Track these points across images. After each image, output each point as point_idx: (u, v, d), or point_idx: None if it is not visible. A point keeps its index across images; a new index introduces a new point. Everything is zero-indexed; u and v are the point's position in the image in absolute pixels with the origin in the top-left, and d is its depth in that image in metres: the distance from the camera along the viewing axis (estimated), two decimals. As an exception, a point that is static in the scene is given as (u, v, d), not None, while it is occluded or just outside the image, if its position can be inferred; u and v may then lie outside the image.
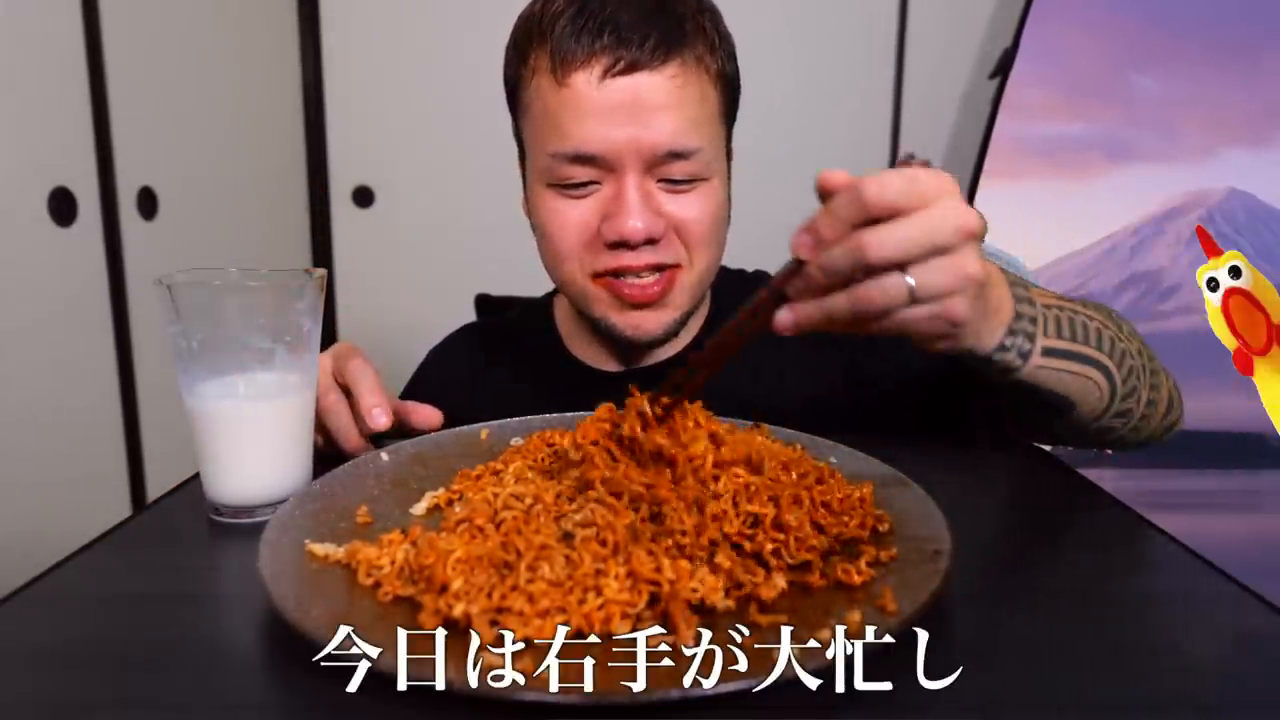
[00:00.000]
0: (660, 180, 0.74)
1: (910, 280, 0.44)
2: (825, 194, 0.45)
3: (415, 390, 0.96)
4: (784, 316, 0.47)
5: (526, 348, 0.93)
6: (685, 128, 0.72)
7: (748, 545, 0.47)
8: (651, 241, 0.74)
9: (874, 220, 0.43)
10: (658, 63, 0.70)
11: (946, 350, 0.50)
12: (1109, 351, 0.59)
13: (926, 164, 0.45)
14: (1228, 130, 1.66)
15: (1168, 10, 1.67)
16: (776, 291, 0.47)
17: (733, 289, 0.89)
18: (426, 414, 0.69)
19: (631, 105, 0.70)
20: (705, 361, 0.51)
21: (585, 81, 0.70)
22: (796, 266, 0.45)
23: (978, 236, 0.45)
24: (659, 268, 0.76)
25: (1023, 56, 1.71)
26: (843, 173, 0.44)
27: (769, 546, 0.46)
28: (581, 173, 0.73)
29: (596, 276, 0.77)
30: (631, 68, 0.70)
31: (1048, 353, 0.55)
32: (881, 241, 0.43)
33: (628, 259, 0.74)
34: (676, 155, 0.72)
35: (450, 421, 0.70)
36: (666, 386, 0.52)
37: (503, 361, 0.94)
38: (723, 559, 0.45)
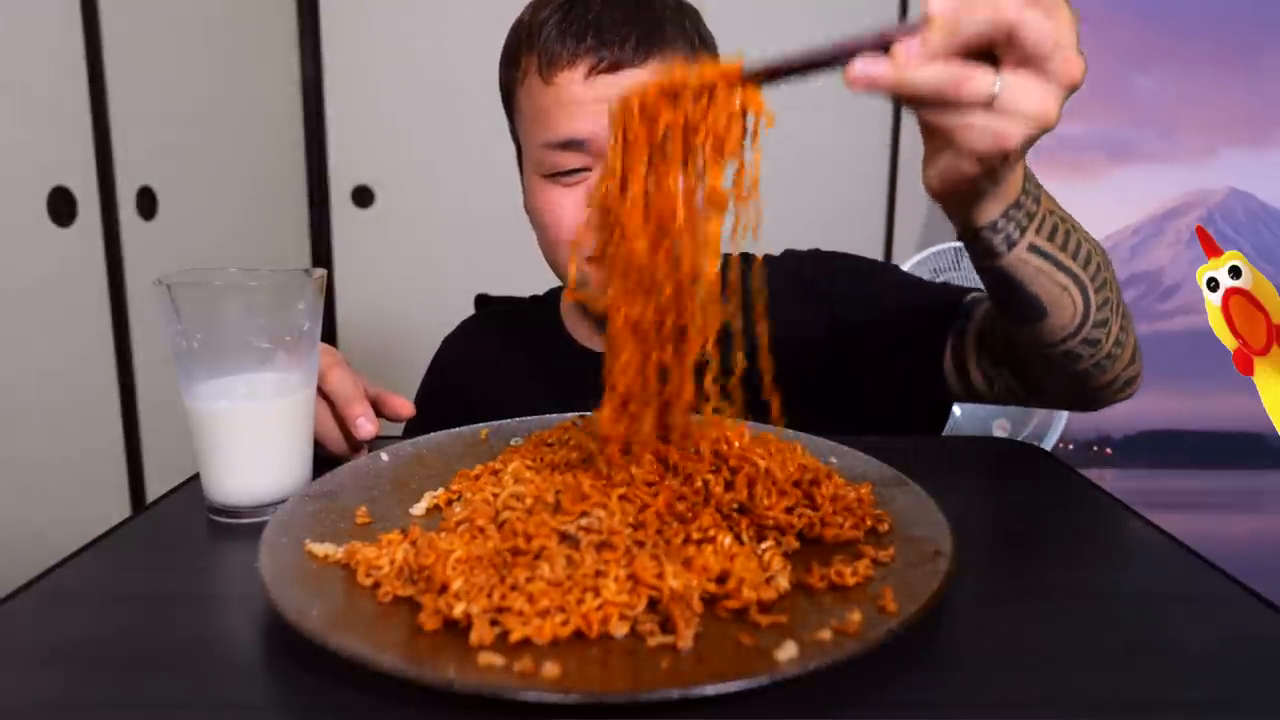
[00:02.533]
0: None
1: (998, 85, 0.43)
2: None
3: (433, 377, 1.00)
4: (860, 68, 0.43)
5: (533, 334, 0.96)
6: None
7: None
8: None
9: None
10: (639, 60, 0.73)
11: (955, 186, 0.49)
12: (1092, 276, 0.60)
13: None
14: (1228, 130, 1.66)
15: (1168, 10, 1.67)
16: (878, 39, 0.43)
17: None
18: (397, 404, 0.70)
19: (615, 98, 0.72)
20: (763, 72, 0.47)
21: (570, 80, 0.74)
22: (910, 29, 0.42)
23: (1074, 88, 0.45)
24: None
25: (1023, 56, 1.71)
26: None
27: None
28: (571, 159, 0.76)
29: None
30: (614, 67, 0.73)
31: (1033, 249, 0.56)
32: (1029, 20, 0.41)
33: None
34: None
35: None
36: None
37: (512, 345, 0.96)
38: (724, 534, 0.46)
